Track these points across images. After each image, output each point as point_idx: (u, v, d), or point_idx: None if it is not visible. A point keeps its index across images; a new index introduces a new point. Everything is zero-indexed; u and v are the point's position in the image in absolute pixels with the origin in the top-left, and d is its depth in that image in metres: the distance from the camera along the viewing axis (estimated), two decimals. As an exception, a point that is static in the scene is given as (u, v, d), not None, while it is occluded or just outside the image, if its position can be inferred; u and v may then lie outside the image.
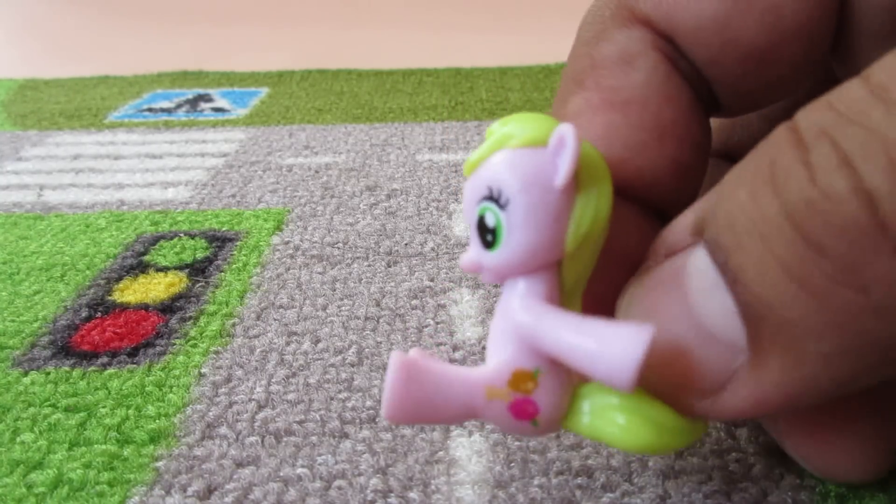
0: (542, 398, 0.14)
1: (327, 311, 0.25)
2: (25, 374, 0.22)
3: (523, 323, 0.13)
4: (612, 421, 0.14)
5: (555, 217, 0.13)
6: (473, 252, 0.14)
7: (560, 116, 0.16)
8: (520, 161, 0.13)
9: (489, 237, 0.13)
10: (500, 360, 0.13)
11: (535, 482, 0.17)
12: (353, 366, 0.22)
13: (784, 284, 0.11)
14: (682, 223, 0.14)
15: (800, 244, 0.11)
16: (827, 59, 0.15)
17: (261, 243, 0.30)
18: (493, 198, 0.13)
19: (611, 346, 0.12)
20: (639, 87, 0.15)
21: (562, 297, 0.14)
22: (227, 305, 0.26)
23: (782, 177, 0.11)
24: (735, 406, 0.13)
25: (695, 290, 0.13)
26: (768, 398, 0.12)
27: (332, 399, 0.21)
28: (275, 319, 0.25)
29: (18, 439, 0.19)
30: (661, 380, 0.14)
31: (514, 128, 0.13)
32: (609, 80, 0.15)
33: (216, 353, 0.23)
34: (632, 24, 0.15)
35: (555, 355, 0.13)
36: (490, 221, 0.13)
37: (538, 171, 0.13)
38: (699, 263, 0.13)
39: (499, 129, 0.14)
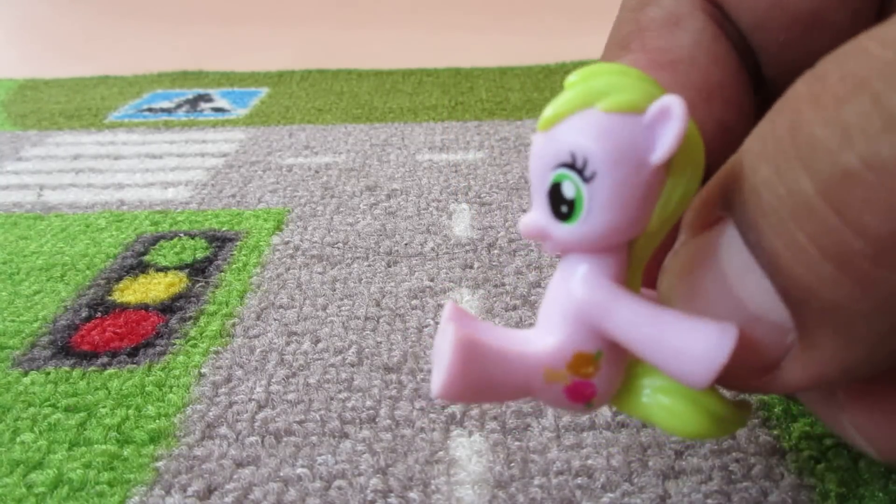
0: (600, 382, 0.13)
1: (327, 311, 0.25)
2: (25, 374, 0.22)
3: (593, 305, 0.12)
4: (665, 406, 0.13)
5: (644, 197, 0.12)
6: (539, 217, 0.12)
7: None
8: (613, 129, 0.11)
9: (564, 208, 0.12)
10: (559, 340, 0.13)
11: (535, 482, 0.17)
12: (353, 366, 0.22)
13: (823, 268, 0.10)
14: (709, 194, 0.13)
15: (837, 224, 0.10)
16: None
17: (261, 243, 0.30)
18: (577, 167, 0.12)
19: (694, 345, 0.12)
20: (686, 47, 0.15)
21: (628, 274, 0.13)
22: (227, 305, 0.26)
23: (808, 145, 0.10)
24: (794, 381, 0.12)
25: (731, 272, 0.12)
26: (826, 373, 0.12)
27: (332, 399, 0.21)
28: (275, 319, 0.25)
29: (18, 439, 0.19)
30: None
31: (605, 84, 0.12)
32: (656, 41, 0.15)
33: (216, 353, 0.23)
34: None
35: (625, 343, 0.12)
36: (569, 192, 0.12)
37: (632, 143, 0.11)
38: (731, 242, 0.12)
39: (584, 81, 0.12)
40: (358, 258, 0.29)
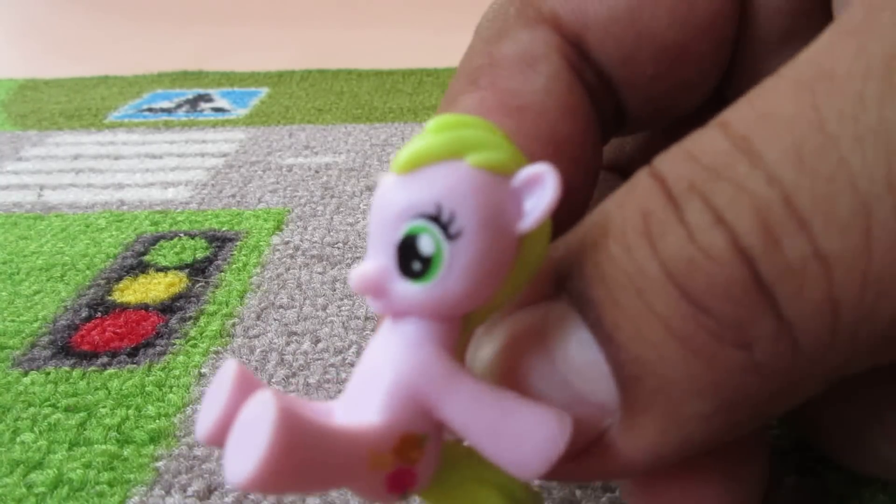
0: (421, 469, 0.11)
1: (327, 311, 0.25)
2: (25, 374, 0.22)
3: (430, 381, 0.11)
4: (477, 498, 0.12)
5: (502, 265, 0.11)
6: (380, 270, 0.11)
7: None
8: (484, 187, 0.11)
9: (417, 265, 0.11)
10: (386, 419, 0.11)
11: (536, 482, 0.17)
12: (352, 366, 0.22)
13: (666, 343, 0.11)
14: (542, 269, 0.12)
15: (682, 303, 0.10)
16: (724, 69, 0.15)
17: (261, 243, 0.30)
18: (441, 221, 0.10)
19: (534, 435, 0.11)
20: (538, 92, 0.14)
21: (459, 345, 0.12)
22: (227, 305, 0.26)
23: (659, 232, 0.11)
24: (600, 469, 0.12)
25: (559, 349, 0.12)
26: (638, 461, 0.12)
27: (332, 399, 0.20)
28: (275, 319, 0.25)
29: (18, 439, 0.19)
30: None
31: (474, 137, 0.11)
32: (507, 81, 0.14)
33: (216, 353, 0.23)
34: (537, 23, 0.14)
35: (457, 426, 0.11)
36: (426, 248, 0.10)
37: (500, 206, 0.11)
38: (562, 320, 0.12)
39: (451, 129, 0.11)
40: (358, 258, 0.29)
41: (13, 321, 0.25)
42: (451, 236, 0.10)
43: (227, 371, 0.11)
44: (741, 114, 0.11)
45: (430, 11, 0.82)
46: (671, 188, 0.11)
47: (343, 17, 0.85)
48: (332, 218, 0.32)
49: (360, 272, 0.11)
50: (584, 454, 0.12)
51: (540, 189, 0.11)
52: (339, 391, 0.21)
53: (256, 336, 0.24)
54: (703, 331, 0.10)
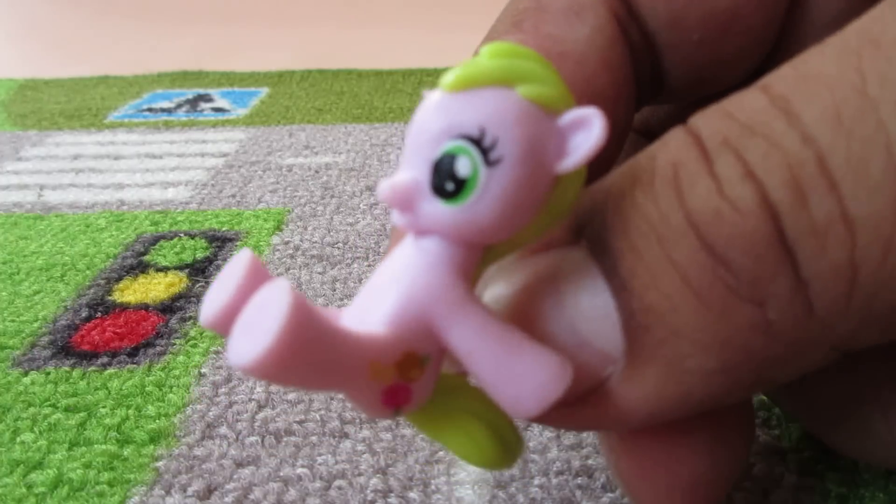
0: (417, 389, 0.11)
1: (327, 311, 0.25)
2: (25, 374, 0.22)
3: (443, 304, 0.11)
4: (467, 431, 0.12)
5: (535, 200, 0.11)
6: (409, 183, 0.11)
7: None
8: (531, 120, 0.10)
9: (451, 185, 0.10)
10: (393, 333, 0.11)
11: (535, 482, 0.17)
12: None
13: (680, 294, 0.11)
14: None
15: (703, 253, 0.10)
16: (768, 47, 0.15)
17: (261, 243, 0.30)
18: (483, 146, 0.10)
19: (536, 374, 0.11)
20: (580, 42, 0.14)
21: (475, 274, 0.12)
22: (227, 305, 0.25)
23: (688, 183, 0.11)
24: (595, 419, 0.12)
25: (569, 293, 0.12)
26: (633, 412, 0.12)
27: (332, 399, 0.21)
28: (275, 319, 0.25)
29: (18, 439, 0.19)
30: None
31: (529, 69, 0.11)
32: (550, 27, 0.14)
33: (216, 353, 0.23)
34: None
35: (462, 353, 0.11)
36: (463, 170, 0.10)
37: (543, 141, 0.10)
38: (577, 265, 0.12)
39: (507, 57, 0.11)
40: (358, 258, 0.29)
41: (13, 321, 0.25)
42: (489, 162, 0.10)
43: (241, 260, 0.11)
44: (783, 76, 0.11)
45: (430, 11, 0.82)
46: (704, 142, 0.11)
47: (343, 17, 0.85)
48: (332, 218, 0.32)
49: (391, 182, 0.11)
50: (582, 401, 0.12)
51: (586, 131, 0.10)
52: (339, 391, 0.21)
53: (256, 336, 0.24)
54: (720, 283, 0.10)
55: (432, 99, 0.11)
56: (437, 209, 0.10)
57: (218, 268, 0.28)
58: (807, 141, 0.10)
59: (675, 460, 0.13)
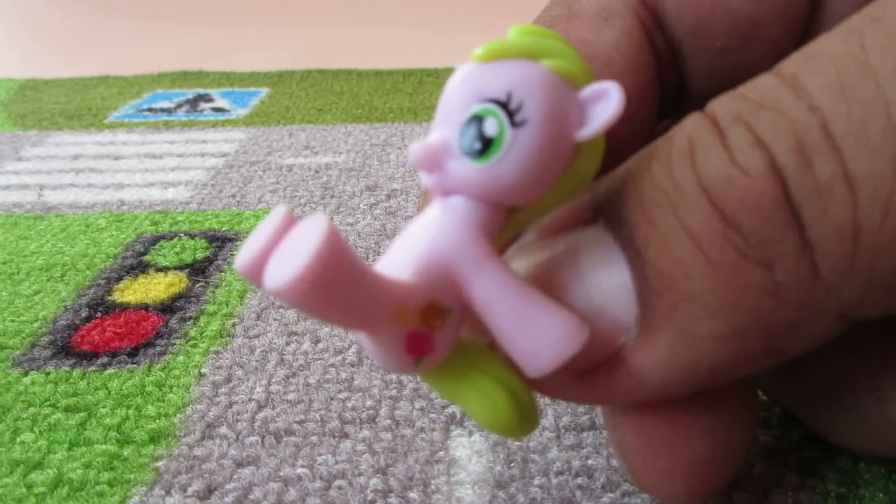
0: (439, 340, 0.12)
1: (327, 311, 0.25)
2: (25, 374, 0.22)
3: (466, 258, 0.11)
4: (485, 391, 0.13)
5: (556, 165, 0.11)
6: (439, 142, 0.11)
7: None
8: (554, 87, 0.11)
9: (478, 144, 0.11)
10: (420, 281, 0.11)
11: (535, 482, 0.17)
12: (353, 366, 0.22)
13: (693, 259, 0.11)
14: (577, 203, 0.13)
15: (714, 218, 0.11)
16: (788, 55, 0.16)
17: (261, 243, 0.30)
18: (509, 108, 0.11)
19: (552, 330, 0.11)
20: (608, 45, 0.15)
21: (500, 235, 0.12)
22: (227, 305, 0.26)
23: (702, 154, 0.11)
24: (608, 389, 0.13)
25: (587, 262, 0.13)
26: (644, 383, 0.12)
27: (332, 399, 0.21)
28: (275, 319, 0.25)
29: (18, 439, 0.19)
30: None
31: (553, 46, 0.12)
32: (580, 31, 0.15)
33: (216, 353, 0.23)
34: None
35: (481, 307, 0.12)
36: (490, 129, 0.11)
37: (565, 110, 0.11)
38: (594, 238, 0.13)
39: (533, 35, 0.12)
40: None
41: (13, 321, 0.25)
42: (515, 123, 0.11)
43: (276, 214, 0.11)
44: (792, 59, 0.11)
45: (430, 11, 0.82)
46: (718, 120, 0.11)
47: (343, 17, 0.85)
48: (332, 218, 0.32)
49: (422, 143, 0.11)
50: (594, 371, 0.13)
51: (605, 101, 0.11)
52: (340, 391, 0.21)
53: (256, 336, 0.24)
54: (730, 246, 0.11)
55: (463, 68, 0.12)
56: (464, 167, 0.11)
57: (218, 268, 0.28)
58: (812, 110, 0.11)
59: (679, 439, 0.14)
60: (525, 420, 0.13)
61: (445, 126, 0.11)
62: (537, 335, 0.11)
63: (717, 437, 0.14)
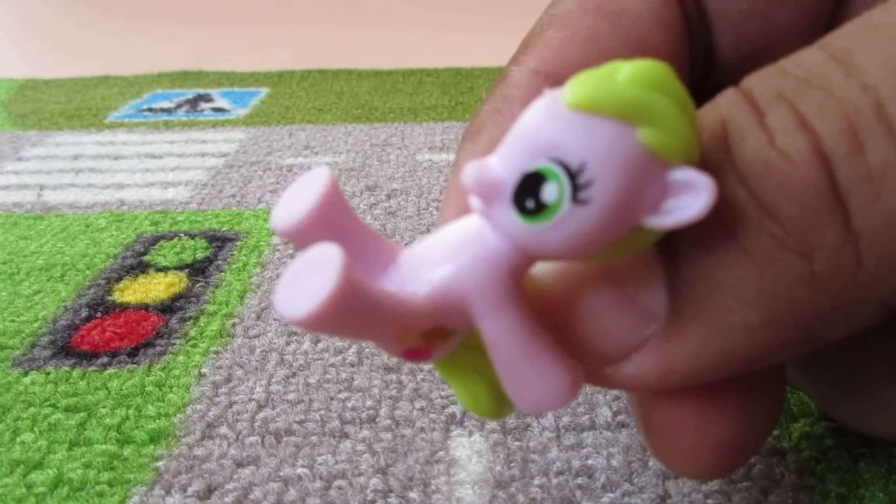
0: (437, 352, 0.12)
1: (327, 311, 0.25)
2: (25, 374, 0.22)
3: (484, 297, 0.11)
4: (466, 381, 0.13)
5: (608, 242, 0.11)
6: (496, 182, 0.10)
7: (547, 16, 0.15)
8: (638, 168, 0.10)
9: (531, 204, 0.10)
10: (430, 307, 0.11)
11: (535, 482, 0.17)
12: (353, 366, 0.22)
13: (726, 247, 0.11)
14: None
15: (751, 205, 0.10)
16: (821, 25, 0.15)
17: (261, 243, 0.30)
18: (576, 182, 0.10)
19: (539, 383, 0.12)
20: (637, 1, 0.15)
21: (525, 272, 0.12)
22: (227, 305, 0.26)
23: (737, 137, 0.11)
24: (639, 376, 0.12)
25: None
26: (675, 370, 0.12)
27: (332, 399, 0.21)
28: (275, 319, 0.25)
29: (18, 439, 0.19)
30: (568, 339, 0.13)
31: (660, 109, 0.10)
32: None
33: (216, 353, 0.23)
34: None
35: (486, 343, 0.12)
36: (549, 196, 0.10)
37: (640, 191, 0.10)
38: None
39: (644, 87, 0.10)
40: (358, 258, 0.29)
41: (13, 321, 0.25)
42: (577, 200, 0.10)
43: (319, 177, 0.11)
44: (844, 32, 0.10)
45: (430, 11, 0.82)
46: (757, 99, 0.11)
47: (343, 17, 0.85)
48: (332, 218, 0.32)
49: (479, 172, 0.10)
50: (625, 360, 0.12)
51: (691, 197, 0.10)
52: (340, 391, 0.21)
53: (256, 336, 0.24)
54: (766, 234, 0.10)
55: (552, 106, 0.10)
56: (508, 216, 0.10)
57: (218, 268, 0.28)
58: (866, 89, 0.10)
59: (706, 421, 0.13)
60: (502, 408, 0.13)
61: (509, 162, 0.10)
62: (528, 384, 0.12)
63: (745, 419, 0.14)
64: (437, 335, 0.12)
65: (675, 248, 0.11)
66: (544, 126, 0.10)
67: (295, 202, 0.11)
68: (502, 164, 0.10)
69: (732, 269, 0.11)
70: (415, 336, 0.11)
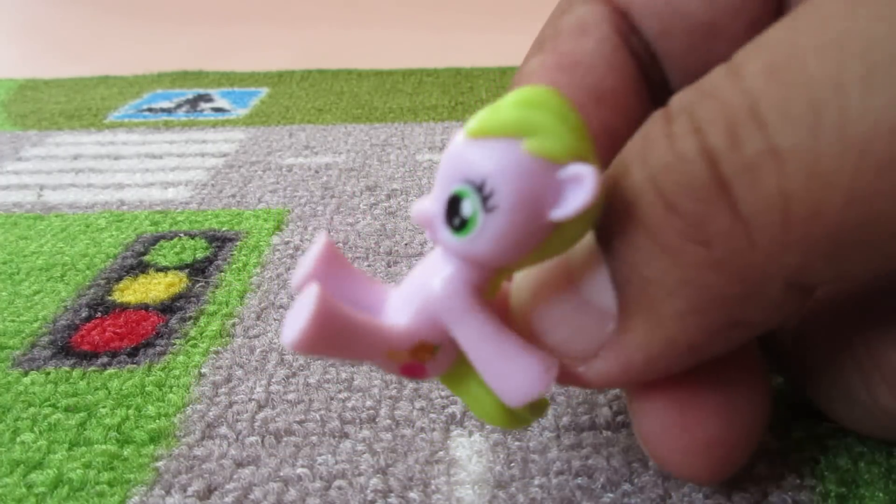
0: (432, 367, 0.14)
1: (327, 311, 0.25)
2: (25, 374, 0.22)
3: (447, 309, 0.13)
4: (477, 396, 0.15)
5: (531, 241, 0.12)
6: (429, 214, 0.13)
7: (518, 75, 0.17)
8: (530, 173, 0.12)
9: (457, 221, 0.12)
10: (409, 327, 0.13)
11: (535, 482, 0.17)
12: (353, 366, 0.22)
13: (645, 244, 0.12)
14: None
15: (658, 205, 0.12)
16: None
17: (261, 243, 0.30)
18: (482, 194, 0.12)
19: (517, 376, 0.13)
20: (588, 53, 0.16)
21: (489, 285, 0.14)
22: (227, 305, 0.26)
23: (650, 147, 0.12)
24: (605, 371, 0.14)
25: (574, 263, 0.14)
26: (633, 361, 0.13)
27: (332, 399, 0.21)
28: (275, 319, 0.25)
29: (18, 439, 0.19)
30: (545, 344, 0.14)
31: (542, 122, 0.12)
32: (565, 45, 0.17)
33: (216, 353, 0.23)
34: (595, 0, 0.17)
35: (463, 350, 0.13)
36: (466, 211, 0.12)
37: (541, 192, 0.12)
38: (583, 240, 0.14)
39: (526, 108, 0.12)
40: (358, 258, 0.29)
41: (13, 321, 0.25)
42: (487, 209, 0.12)
43: (318, 244, 0.14)
44: (745, 49, 0.12)
45: (430, 11, 0.82)
46: (671, 113, 0.12)
47: (343, 17, 0.85)
48: (332, 218, 0.32)
49: (419, 208, 0.13)
50: (592, 358, 0.14)
51: (579, 187, 0.12)
52: (340, 391, 0.21)
53: (256, 336, 0.24)
54: (672, 229, 0.12)
55: (458, 140, 0.12)
56: (448, 237, 0.13)
57: (218, 268, 0.28)
58: (745, 92, 0.11)
59: (691, 422, 0.15)
60: (515, 419, 0.15)
61: (437, 195, 0.13)
62: (508, 379, 0.13)
63: (728, 418, 0.15)
64: (423, 350, 0.14)
65: (614, 251, 0.13)
66: (452, 158, 0.12)
67: (301, 268, 0.14)
68: (435, 197, 0.13)
69: (653, 264, 0.12)
70: (403, 354, 0.13)
